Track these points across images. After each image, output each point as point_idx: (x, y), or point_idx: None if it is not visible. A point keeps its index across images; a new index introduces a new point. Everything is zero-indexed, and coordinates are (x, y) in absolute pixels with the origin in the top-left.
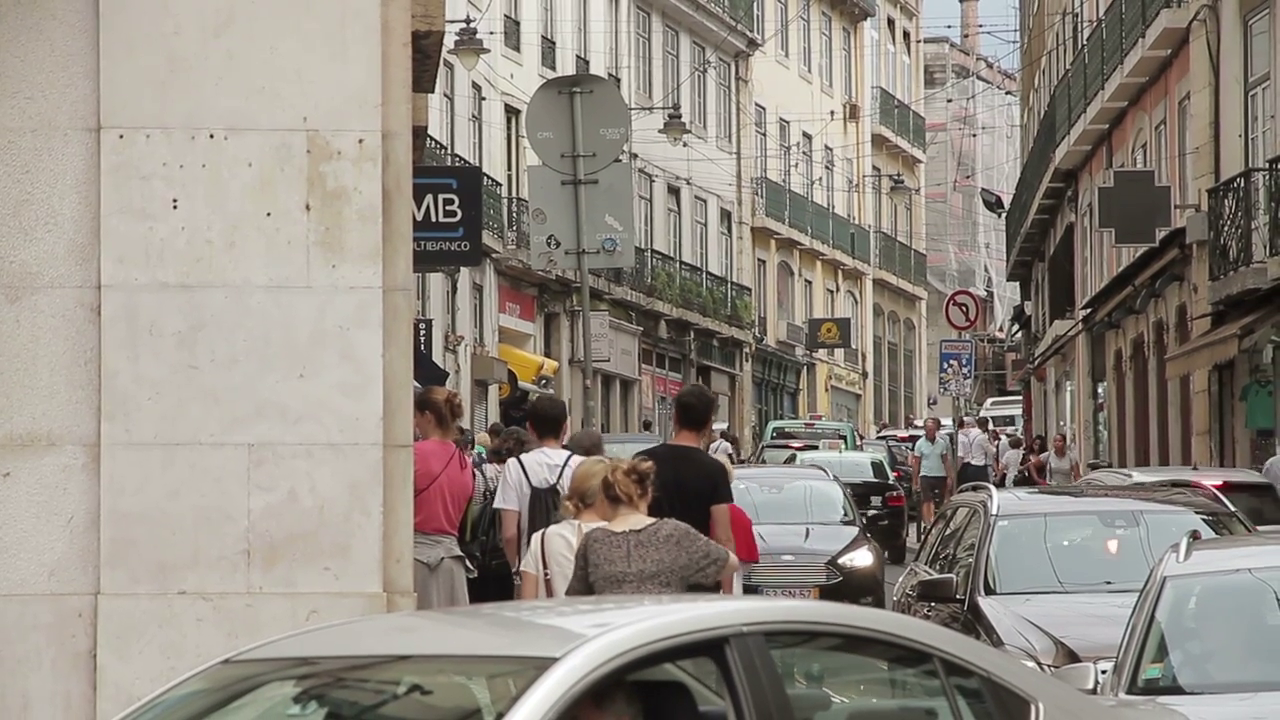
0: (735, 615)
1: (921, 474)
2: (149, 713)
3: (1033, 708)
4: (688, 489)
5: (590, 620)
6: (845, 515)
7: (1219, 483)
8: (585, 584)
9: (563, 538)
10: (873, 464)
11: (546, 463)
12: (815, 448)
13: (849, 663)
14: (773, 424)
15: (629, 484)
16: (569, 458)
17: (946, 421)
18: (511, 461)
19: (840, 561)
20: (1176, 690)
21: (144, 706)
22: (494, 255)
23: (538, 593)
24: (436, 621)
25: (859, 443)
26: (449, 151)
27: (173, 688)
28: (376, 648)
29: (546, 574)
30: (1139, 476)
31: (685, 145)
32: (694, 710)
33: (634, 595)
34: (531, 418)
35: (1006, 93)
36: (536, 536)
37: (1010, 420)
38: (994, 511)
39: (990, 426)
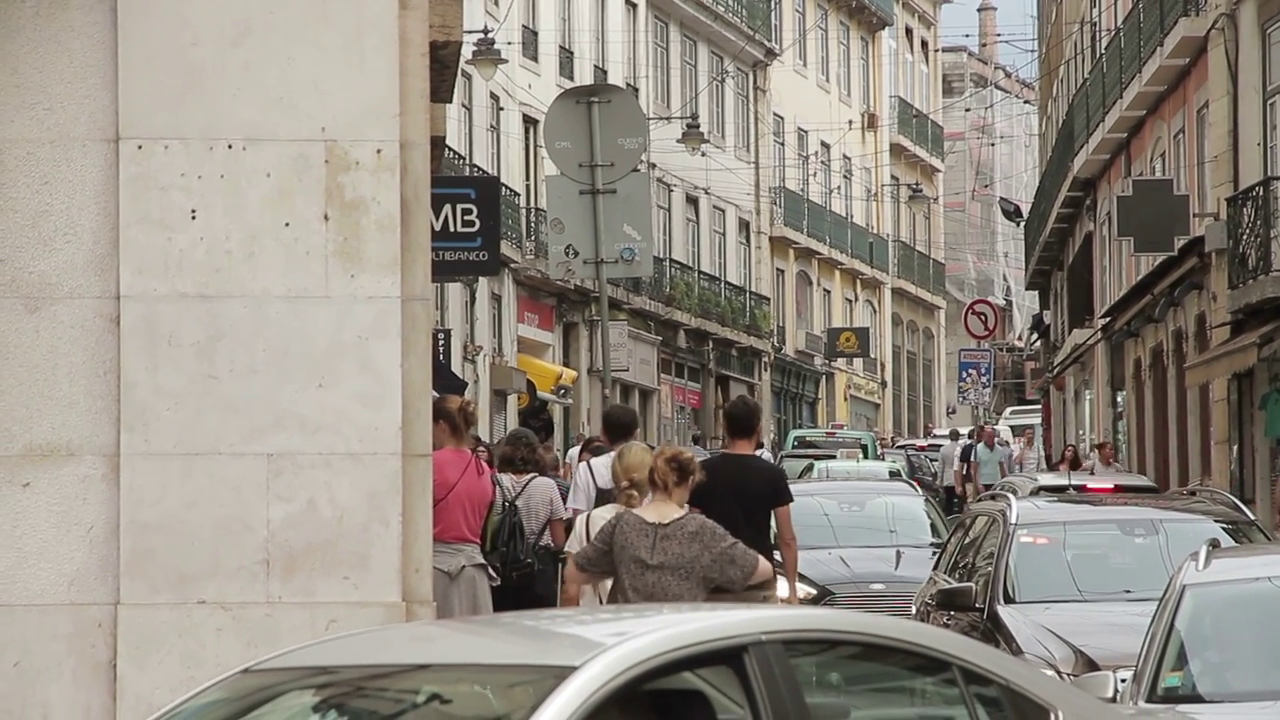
0: (754, 624)
1: (981, 481)
2: None
3: (1052, 716)
4: (750, 494)
5: (609, 629)
6: (935, 535)
7: (1110, 486)
8: (600, 557)
9: (606, 520)
10: (890, 473)
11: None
12: (833, 457)
13: (868, 671)
14: (794, 433)
15: (667, 471)
16: None
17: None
18: (581, 465)
19: None
20: (1196, 699)
21: (163, 716)
22: (512, 265)
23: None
24: (455, 630)
25: (880, 452)
26: (467, 161)
27: (192, 697)
28: (395, 657)
29: None
30: (1042, 479)
31: (703, 155)
32: (713, 719)
33: (653, 605)
34: (605, 424)
35: (1025, 102)
36: (581, 518)
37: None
38: (1013, 520)
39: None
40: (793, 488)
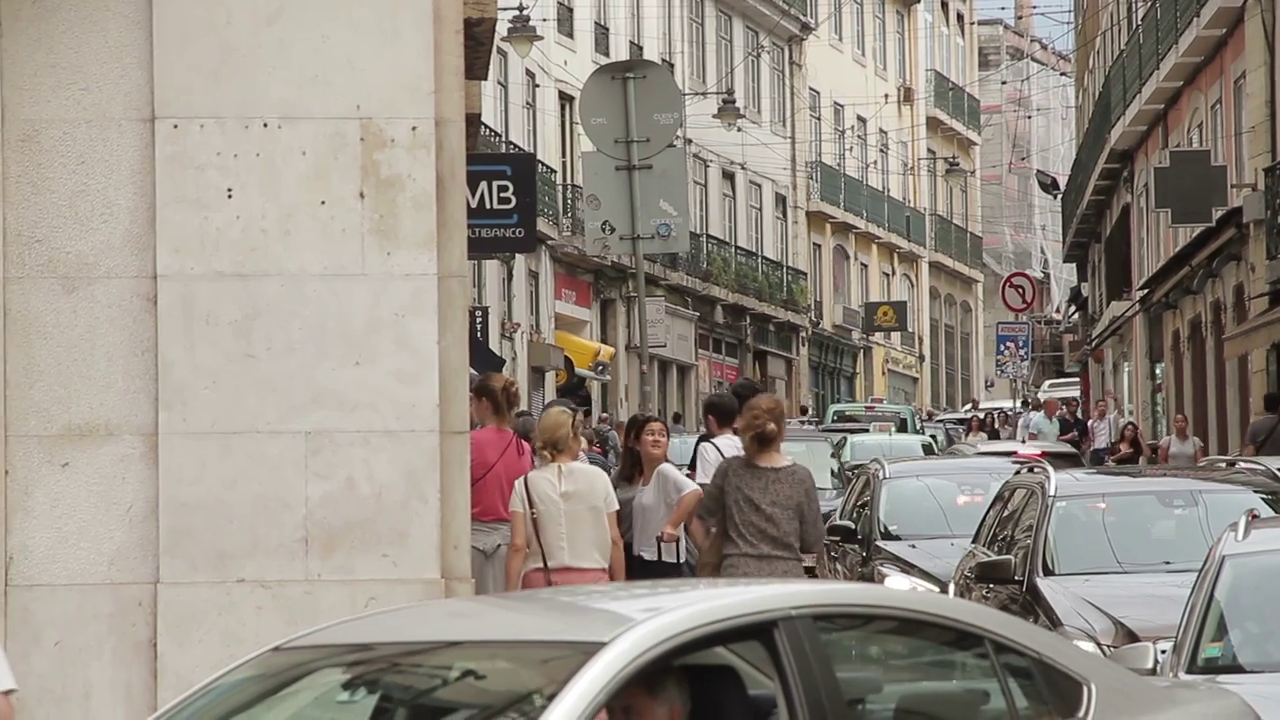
0: (784, 598)
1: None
2: (202, 699)
3: (1085, 688)
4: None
5: (640, 604)
6: None
7: (1038, 452)
8: (717, 499)
9: (546, 480)
10: (923, 447)
11: (733, 445)
12: (865, 430)
13: (900, 645)
14: (833, 407)
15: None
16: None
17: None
18: (707, 445)
19: None
20: (1236, 669)
21: (197, 693)
22: (549, 242)
23: (525, 530)
24: (487, 607)
25: (920, 426)
26: (504, 139)
27: (224, 675)
28: (427, 634)
29: (534, 513)
30: (983, 447)
31: (739, 130)
32: (743, 693)
33: (685, 581)
34: (711, 411)
35: (1061, 74)
36: (520, 480)
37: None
38: (1052, 492)
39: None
40: (897, 467)
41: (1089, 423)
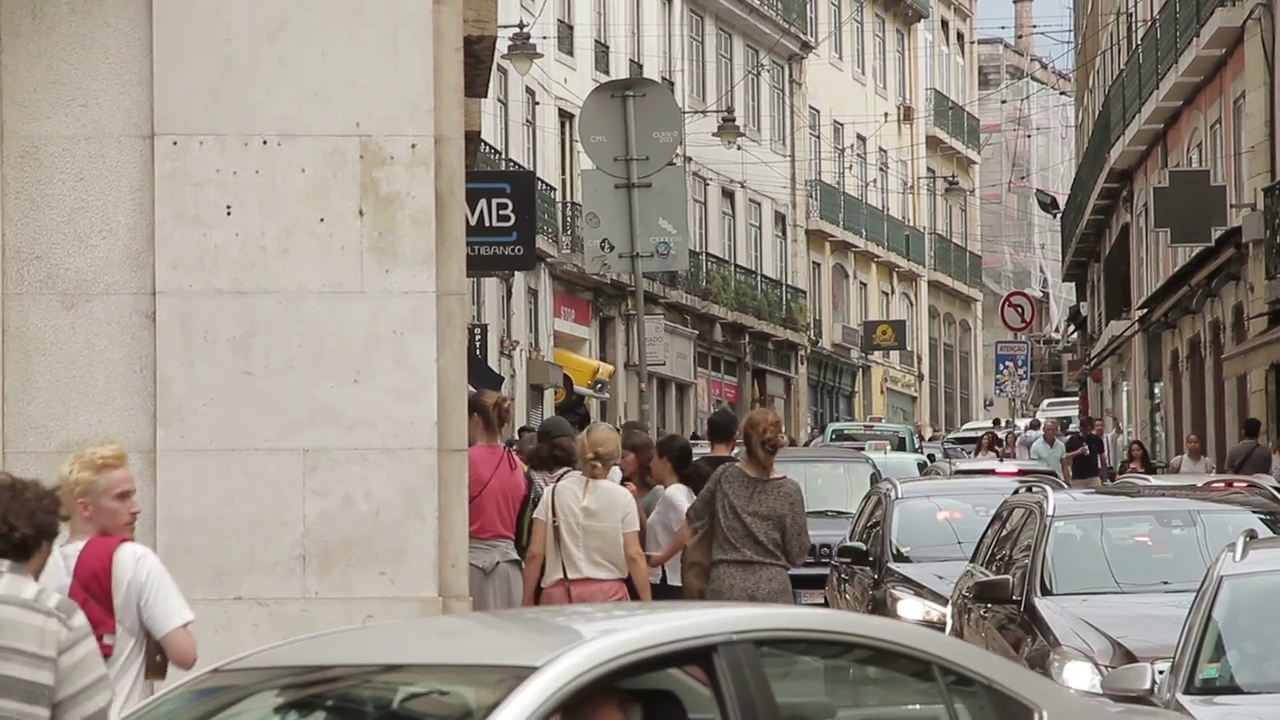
0: (725, 623)
1: None
2: None
3: (1036, 715)
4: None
5: (579, 628)
6: None
7: (1014, 470)
8: (708, 503)
9: (571, 491)
10: (919, 466)
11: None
12: (861, 449)
13: (846, 670)
14: (831, 426)
15: (760, 445)
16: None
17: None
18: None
19: None
20: (1234, 690)
21: (133, 716)
22: (549, 260)
23: (545, 537)
24: (426, 629)
25: (918, 445)
26: (503, 156)
27: (161, 698)
28: (364, 657)
29: (555, 522)
30: (961, 466)
31: (739, 148)
32: (684, 719)
33: (631, 604)
34: (711, 429)
35: (1061, 93)
36: (548, 490)
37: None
38: (1050, 512)
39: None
40: (909, 488)
41: (1104, 438)
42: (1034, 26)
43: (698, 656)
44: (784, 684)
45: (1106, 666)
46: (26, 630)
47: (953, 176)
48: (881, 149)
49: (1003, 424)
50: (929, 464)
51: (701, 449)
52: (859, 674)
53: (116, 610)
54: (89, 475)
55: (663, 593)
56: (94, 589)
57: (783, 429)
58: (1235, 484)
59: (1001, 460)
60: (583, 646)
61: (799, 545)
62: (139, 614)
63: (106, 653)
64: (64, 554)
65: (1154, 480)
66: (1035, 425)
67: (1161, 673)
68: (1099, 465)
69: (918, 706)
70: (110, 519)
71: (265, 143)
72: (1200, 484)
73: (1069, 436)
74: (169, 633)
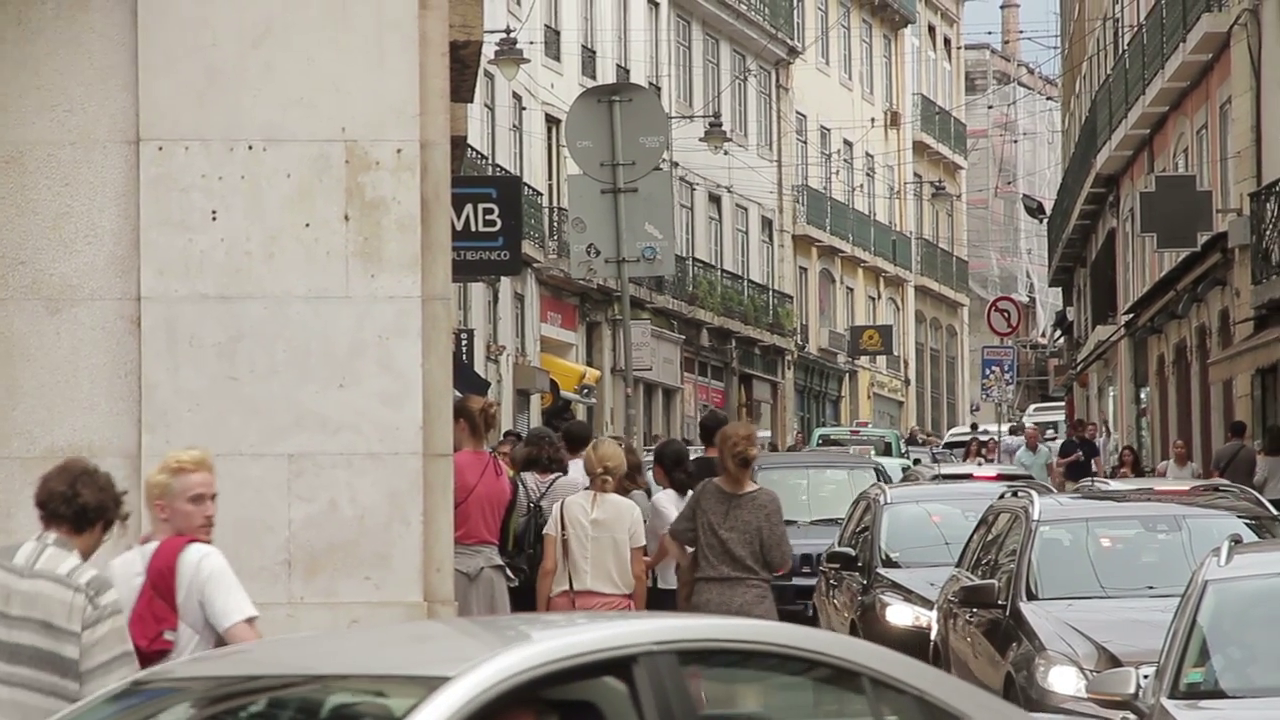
0: (646, 634)
1: None
2: None
3: None
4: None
5: (499, 638)
6: None
7: (993, 474)
8: (690, 521)
9: (580, 505)
10: (904, 470)
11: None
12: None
13: (772, 682)
14: (818, 431)
15: (730, 458)
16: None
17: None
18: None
19: None
20: (1219, 694)
21: None
22: (535, 265)
23: (555, 553)
24: (347, 639)
25: (904, 450)
26: (490, 161)
27: (81, 708)
28: (282, 668)
29: (565, 535)
30: (943, 469)
31: (726, 153)
32: None
33: (560, 615)
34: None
35: (1047, 98)
36: (557, 505)
37: (1054, 426)
38: (1035, 517)
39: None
40: (898, 492)
41: (1097, 442)
42: (1021, 32)
43: (617, 667)
44: (708, 695)
45: (1091, 671)
46: (55, 604)
47: (939, 182)
48: (868, 154)
49: (978, 429)
50: (910, 468)
51: (698, 449)
52: (786, 684)
53: (179, 607)
54: (165, 478)
55: (654, 596)
56: (160, 586)
57: (757, 441)
58: (1197, 489)
59: (980, 465)
60: (499, 657)
61: (779, 555)
62: (201, 611)
63: (167, 647)
64: (142, 553)
65: (1114, 484)
66: (1016, 431)
67: (1146, 677)
68: (1093, 470)
69: (847, 717)
70: (184, 521)
71: (250, 148)
72: (1158, 487)
73: (1062, 441)
74: (230, 628)
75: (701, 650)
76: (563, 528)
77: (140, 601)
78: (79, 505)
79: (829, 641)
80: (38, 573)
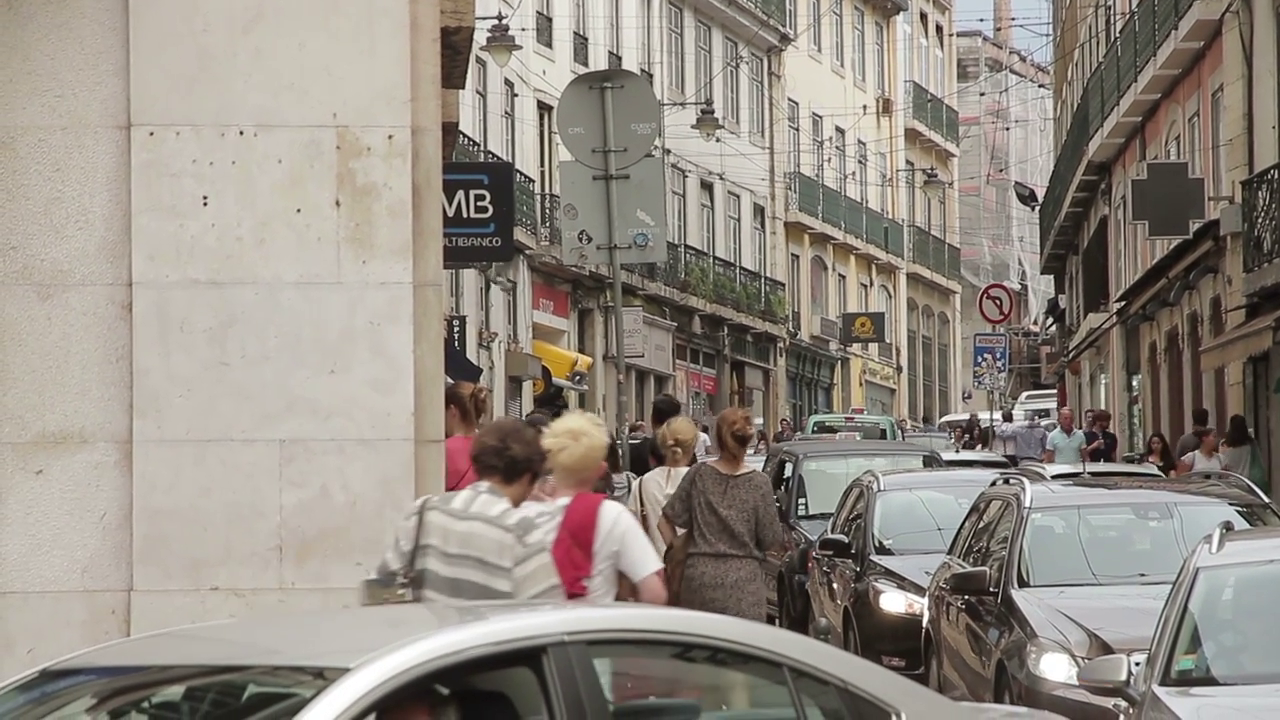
0: (556, 624)
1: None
2: None
3: (893, 718)
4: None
5: (407, 628)
6: None
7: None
8: (685, 501)
9: (656, 482)
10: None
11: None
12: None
13: (688, 672)
14: (813, 418)
15: (732, 438)
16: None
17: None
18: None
19: None
20: (1210, 681)
21: None
22: (527, 252)
23: (664, 528)
24: (255, 629)
25: (900, 436)
26: (482, 148)
27: None
28: (187, 657)
29: (644, 511)
30: (946, 456)
31: (718, 140)
32: None
33: (479, 603)
34: (654, 412)
35: (1039, 86)
36: (636, 483)
37: (1045, 413)
38: (1027, 504)
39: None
40: (891, 480)
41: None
42: (1013, 19)
43: (526, 658)
44: (619, 686)
45: (1083, 658)
46: (488, 543)
47: (931, 169)
48: (860, 141)
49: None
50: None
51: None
52: (703, 674)
53: (594, 557)
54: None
55: None
56: (580, 538)
57: (753, 422)
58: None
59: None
60: (402, 648)
61: (771, 534)
62: (611, 561)
63: (583, 592)
64: (549, 506)
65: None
66: (1008, 418)
67: (1138, 664)
68: (1114, 459)
69: (767, 709)
70: (590, 478)
71: (242, 133)
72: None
73: (1085, 431)
74: (645, 577)
75: (613, 640)
76: (641, 504)
77: (558, 550)
78: (509, 458)
79: (749, 632)
80: (472, 515)
